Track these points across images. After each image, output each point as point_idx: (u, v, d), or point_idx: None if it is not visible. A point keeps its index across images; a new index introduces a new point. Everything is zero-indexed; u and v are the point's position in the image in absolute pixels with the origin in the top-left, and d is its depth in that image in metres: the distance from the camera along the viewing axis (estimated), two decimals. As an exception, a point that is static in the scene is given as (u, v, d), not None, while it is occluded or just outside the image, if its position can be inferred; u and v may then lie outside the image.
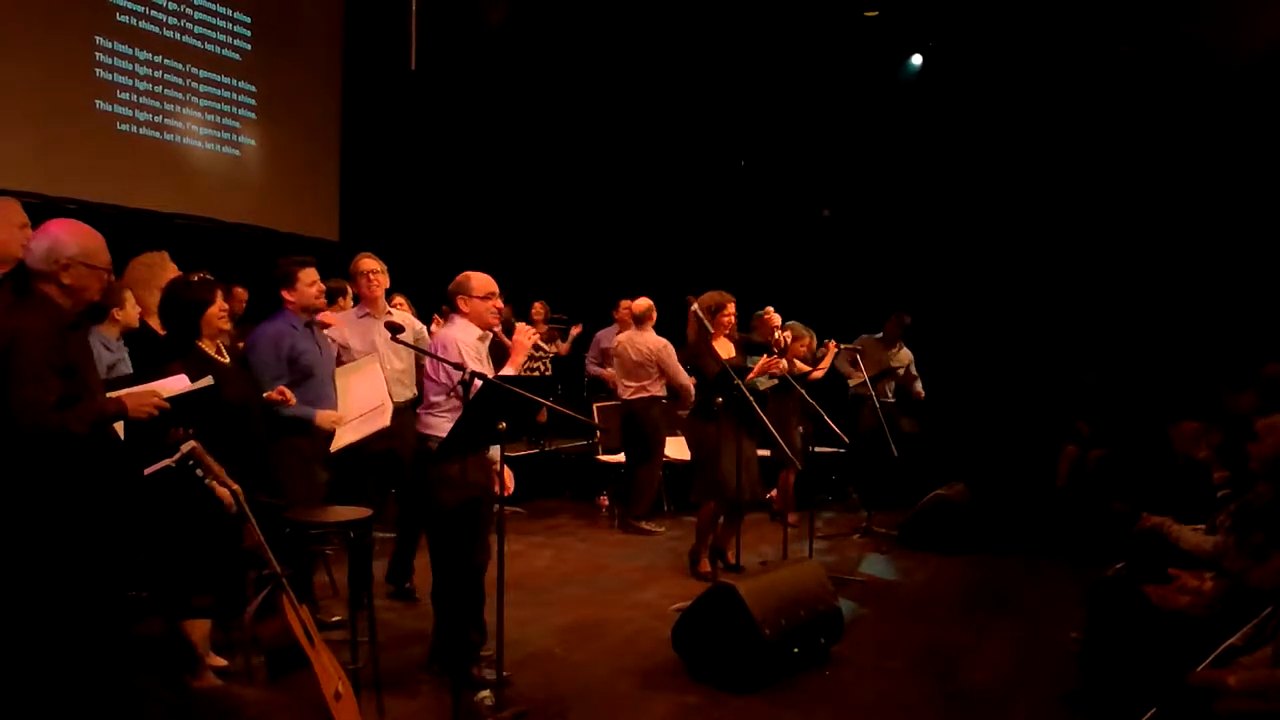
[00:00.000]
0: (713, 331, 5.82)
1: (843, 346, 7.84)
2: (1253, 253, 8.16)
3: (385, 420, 4.81)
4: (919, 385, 8.47)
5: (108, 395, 3.11)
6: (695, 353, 5.83)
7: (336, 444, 4.57)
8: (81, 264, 3.03)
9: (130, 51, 6.96)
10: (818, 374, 7.30)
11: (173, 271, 4.50)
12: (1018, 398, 9.25)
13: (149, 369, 3.74)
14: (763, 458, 6.29)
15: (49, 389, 2.88)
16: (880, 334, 8.38)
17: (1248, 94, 8.11)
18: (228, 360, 3.99)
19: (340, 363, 4.89)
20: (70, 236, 3.05)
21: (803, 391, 6.56)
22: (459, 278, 4.30)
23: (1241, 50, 7.92)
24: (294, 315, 4.49)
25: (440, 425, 4.04)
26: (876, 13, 9.40)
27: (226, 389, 3.68)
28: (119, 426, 3.22)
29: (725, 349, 5.82)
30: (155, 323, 4.36)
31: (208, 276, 4.10)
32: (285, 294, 4.47)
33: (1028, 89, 9.22)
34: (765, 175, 10.88)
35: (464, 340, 4.08)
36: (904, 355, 8.45)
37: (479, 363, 4.06)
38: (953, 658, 4.73)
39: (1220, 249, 8.42)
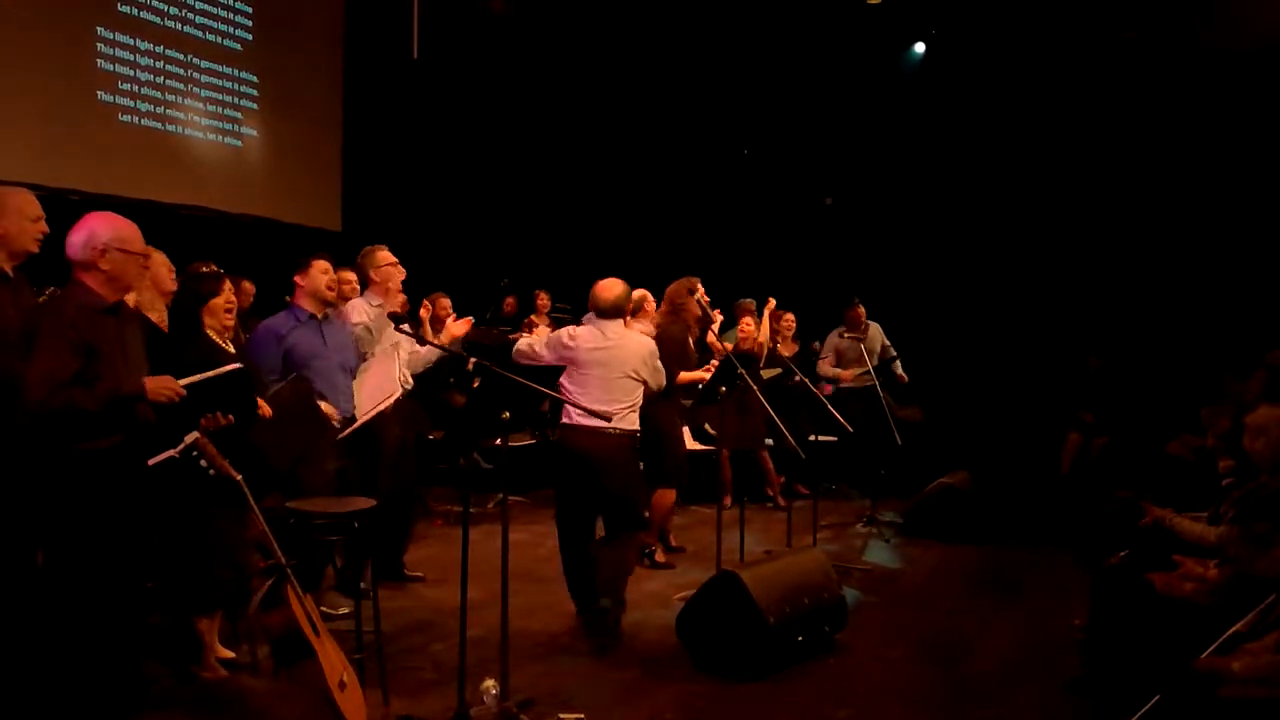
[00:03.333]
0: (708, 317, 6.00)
1: (815, 345, 7.86)
2: (1257, 241, 8.13)
3: (394, 389, 4.84)
4: (899, 367, 8.34)
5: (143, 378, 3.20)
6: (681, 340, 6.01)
7: (362, 416, 4.63)
8: (117, 249, 3.20)
9: (131, 42, 6.94)
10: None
11: (164, 266, 4.52)
12: (1021, 385, 9.23)
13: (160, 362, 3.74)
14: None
15: (63, 365, 3.00)
16: (843, 328, 8.13)
17: (1253, 81, 8.06)
18: (234, 352, 4.00)
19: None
20: (105, 225, 3.23)
21: (805, 380, 6.58)
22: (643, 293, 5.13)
23: (1248, 36, 7.87)
24: (299, 308, 4.51)
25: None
26: (879, 0, 9.35)
27: None
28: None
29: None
30: (155, 318, 4.37)
31: (216, 269, 4.12)
32: (298, 279, 4.54)
33: (1031, 76, 9.16)
34: (768, 163, 10.86)
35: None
36: (875, 333, 8.34)
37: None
38: (956, 645, 4.74)
39: (1225, 237, 8.39)
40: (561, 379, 4.49)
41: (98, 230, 3.21)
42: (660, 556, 6.10)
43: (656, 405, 5.94)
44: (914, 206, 10.11)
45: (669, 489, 5.96)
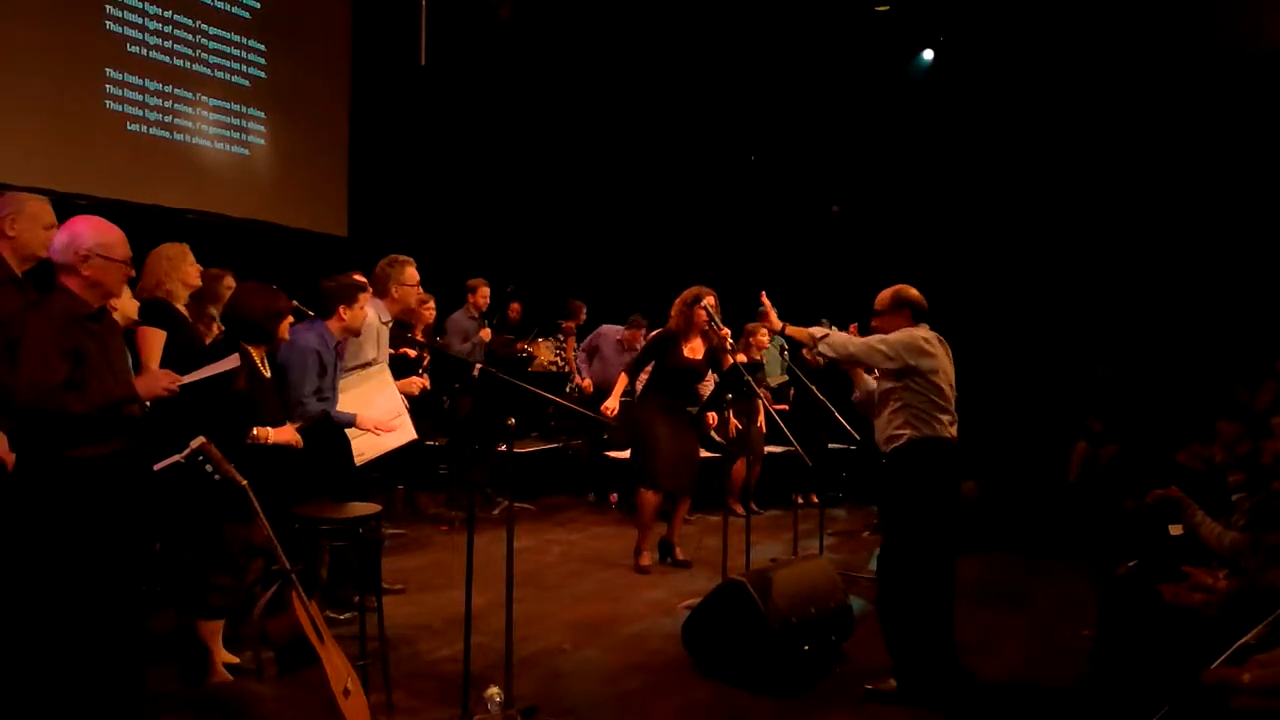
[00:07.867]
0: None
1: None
2: (1268, 249, 8.10)
3: (410, 433, 4.82)
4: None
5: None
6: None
7: (360, 459, 4.58)
8: (99, 256, 3.17)
9: (140, 37, 6.93)
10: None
11: (193, 263, 4.52)
12: (1029, 393, 9.20)
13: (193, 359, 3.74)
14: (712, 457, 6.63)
15: (52, 370, 3.00)
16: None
17: (1264, 89, 8.04)
18: (269, 374, 3.97)
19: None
20: (88, 230, 3.20)
21: (813, 388, 6.56)
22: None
23: (1259, 44, 7.85)
24: (330, 334, 4.47)
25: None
26: (887, 7, 9.35)
27: (264, 409, 3.75)
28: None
29: (697, 349, 5.94)
30: (183, 308, 4.44)
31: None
32: (343, 311, 4.45)
33: (1040, 83, 9.16)
34: (775, 170, 10.85)
35: None
36: None
37: None
38: (963, 654, 4.70)
39: (1235, 245, 8.36)
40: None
41: (81, 234, 3.16)
42: (644, 561, 6.00)
43: (637, 404, 6.12)
44: (921, 214, 10.10)
45: (647, 490, 5.91)
